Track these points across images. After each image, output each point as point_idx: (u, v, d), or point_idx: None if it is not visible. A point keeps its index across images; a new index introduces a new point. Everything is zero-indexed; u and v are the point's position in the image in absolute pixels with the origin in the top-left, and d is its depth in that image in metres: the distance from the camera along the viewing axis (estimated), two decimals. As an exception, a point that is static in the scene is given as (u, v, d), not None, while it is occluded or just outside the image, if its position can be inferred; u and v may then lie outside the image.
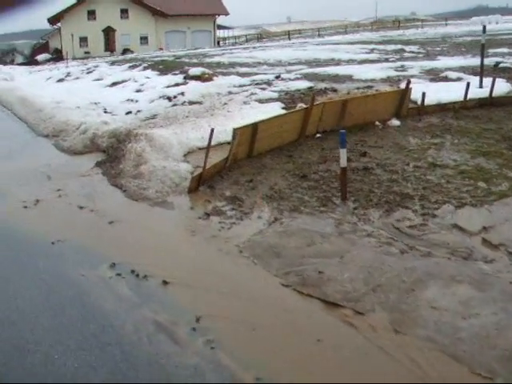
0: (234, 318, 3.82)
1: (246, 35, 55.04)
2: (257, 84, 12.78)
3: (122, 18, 41.34)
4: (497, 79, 11.57)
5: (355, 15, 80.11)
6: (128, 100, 11.91)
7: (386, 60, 17.39)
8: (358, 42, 27.26)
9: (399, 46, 21.80)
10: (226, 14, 45.60)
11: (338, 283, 4.24)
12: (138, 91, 13.07)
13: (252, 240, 5.10)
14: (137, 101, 11.79)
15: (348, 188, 6.52)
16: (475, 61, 16.01)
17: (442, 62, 16.04)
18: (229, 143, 8.50)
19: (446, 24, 52.08)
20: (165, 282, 4.35)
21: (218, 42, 47.61)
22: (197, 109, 10.42)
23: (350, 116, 9.03)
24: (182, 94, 11.92)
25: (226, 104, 10.35)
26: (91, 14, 40.62)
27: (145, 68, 17.23)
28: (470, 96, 10.78)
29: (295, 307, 4.01)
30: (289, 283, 4.32)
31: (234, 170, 7.25)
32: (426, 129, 9.00)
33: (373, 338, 3.57)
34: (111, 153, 8.08)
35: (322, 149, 8.10)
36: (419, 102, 9.95)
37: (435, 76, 13.01)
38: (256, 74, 14.88)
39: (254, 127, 7.64)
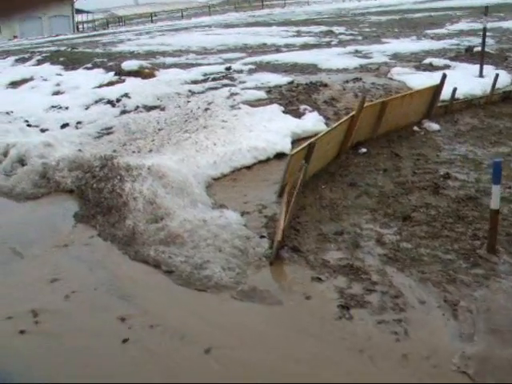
0: None
1: (104, 19, 51.70)
2: (214, 79, 10.63)
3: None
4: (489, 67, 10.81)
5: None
6: (53, 107, 9.05)
7: (329, 44, 16.12)
8: (262, 23, 25.90)
9: (323, 28, 20.73)
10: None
11: None
12: (56, 93, 10.18)
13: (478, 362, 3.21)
14: (66, 108, 9.00)
15: (469, 228, 4.95)
16: (429, 44, 15.42)
17: (394, 46, 15.16)
18: (248, 167, 6.51)
19: (308, 2, 53.60)
20: None
21: (77, 28, 44.58)
22: (167, 117, 8.04)
23: (385, 122, 7.42)
24: (127, 95, 9.36)
25: (208, 110, 8.12)
26: None
27: (40, 61, 13.97)
28: (474, 87, 9.87)
29: None
30: None
31: (299, 213, 5.25)
32: (473, 133, 7.69)
33: None
34: (92, 197, 5.56)
35: (383, 170, 6.36)
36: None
37: (418, 63, 11.90)
38: (198, 65, 12.67)
39: (310, 148, 5.68)
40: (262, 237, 4.76)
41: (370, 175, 6.24)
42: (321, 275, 4.23)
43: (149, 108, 8.84)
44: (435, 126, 7.83)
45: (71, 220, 5.30)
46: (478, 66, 11.15)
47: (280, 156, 6.93)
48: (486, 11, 9.94)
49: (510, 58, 12.51)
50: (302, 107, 8.43)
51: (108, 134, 7.72)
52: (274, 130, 7.26)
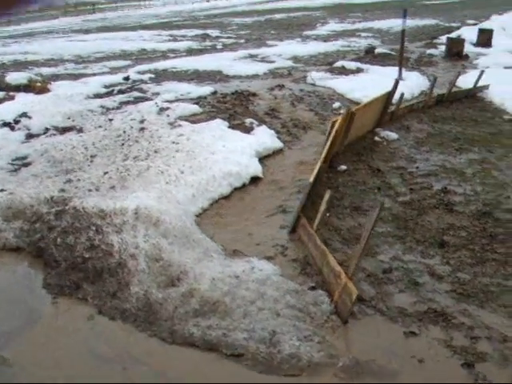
0: None
1: None
2: (122, 92, 9.45)
3: None
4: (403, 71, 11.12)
5: None
6: None
7: (215, 48, 15.55)
8: (119, 28, 24.45)
9: (197, 31, 20.05)
10: None
11: None
12: None
13: None
14: None
15: (507, 246, 4.77)
16: (319, 46, 15.59)
17: (284, 48, 15.07)
18: (226, 197, 5.74)
19: (142, 6, 53.02)
20: None
21: None
22: (94, 141, 6.79)
23: (350, 133, 7.07)
24: (26, 115, 7.81)
25: (144, 129, 7.02)
26: None
27: None
28: (403, 91, 10.00)
29: None
30: None
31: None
32: (432, 140, 7.66)
33: None
34: (61, 257, 4.31)
35: (377, 188, 5.97)
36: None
37: (329, 67, 11.81)
38: (83, 75, 11.30)
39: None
40: (312, 288, 4.03)
41: (366, 196, 5.80)
42: (410, 328, 3.65)
43: (62, 130, 7.45)
44: (393, 135, 7.66)
45: (44, 293, 4.04)
46: (390, 69, 11.45)
47: (255, 180, 6.21)
48: (404, 13, 10.11)
49: (412, 59, 13.04)
50: (248, 121, 7.74)
51: (25, 165, 6.28)
52: (238, 151, 6.49)
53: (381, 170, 6.50)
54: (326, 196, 4.56)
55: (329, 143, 6.11)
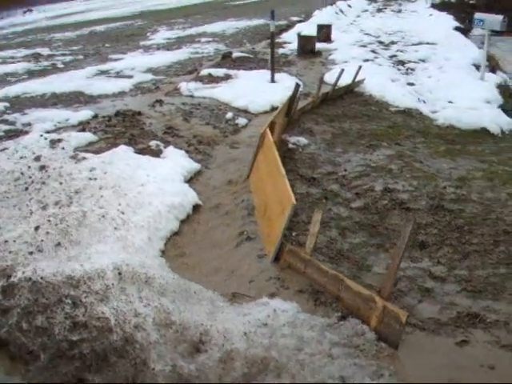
0: None
1: None
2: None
3: None
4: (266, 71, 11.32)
5: None
6: None
7: (57, 67, 14.32)
8: None
9: (26, 51, 18.16)
10: None
11: None
12: None
13: None
14: None
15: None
16: (167, 55, 15.14)
17: (133, 61, 14.37)
18: (176, 233, 5.34)
19: None
20: None
21: None
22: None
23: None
24: None
25: (45, 167, 6.03)
26: None
27: None
28: (285, 94, 10.09)
29: None
30: None
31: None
32: (340, 140, 7.88)
33: None
34: (40, 347, 3.50)
35: (324, 198, 5.92)
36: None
37: (195, 75, 11.48)
38: None
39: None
40: (342, 318, 3.81)
41: (318, 207, 5.71)
42: (458, 337, 3.65)
43: None
44: (303, 140, 7.70)
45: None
46: (256, 72, 11.59)
47: (196, 208, 5.77)
48: (272, 14, 10.23)
49: (267, 60, 13.22)
50: (152, 143, 7.19)
51: None
52: (168, 178, 6.01)
53: (315, 178, 6.47)
54: (318, 216, 4.36)
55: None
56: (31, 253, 4.38)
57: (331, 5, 26.18)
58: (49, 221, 4.85)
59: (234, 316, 3.73)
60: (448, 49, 14.19)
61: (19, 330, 3.62)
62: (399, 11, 26.57)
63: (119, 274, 3.84)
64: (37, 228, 4.74)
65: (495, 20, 9.92)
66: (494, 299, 4.11)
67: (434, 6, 26.76)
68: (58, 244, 4.49)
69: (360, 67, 10.05)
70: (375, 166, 6.82)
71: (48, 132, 7.60)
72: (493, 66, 12.23)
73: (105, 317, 3.56)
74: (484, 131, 8.55)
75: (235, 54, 13.22)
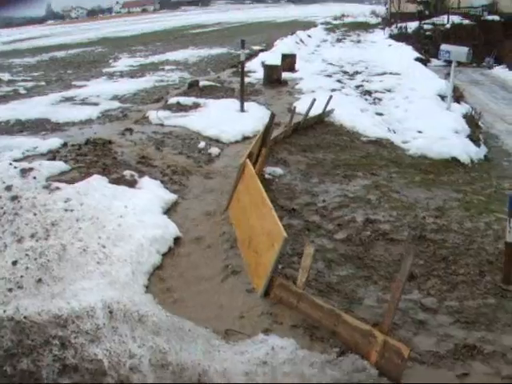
0: None
1: None
2: None
3: None
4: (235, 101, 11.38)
5: None
6: None
7: (20, 94, 14.01)
8: None
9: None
10: None
11: None
12: None
13: None
14: None
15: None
16: (131, 83, 15.04)
17: (98, 88, 14.26)
18: (159, 268, 5.22)
19: None
20: None
21: None
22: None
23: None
24: None
25: (17, 198, 5.78)
26: None
27: None
28: (257, 124, 10.07)
29: None
30: None
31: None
32: (315, 170, 7.90)
33: None
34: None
35: (307, 230, 5.91)
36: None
37: (163, 103, 11.41)
38: None
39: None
40: (342, 353, 3.77)
41: (301, 239, 5.69)
42: (458, 370, 3.67)
43: None
44: (278, 170, 7.72)
45: None
46: (225, 101, 11.63)
47: (176, 241, 5.65)
48: (242, 44, 10.33)
49: (236, 90, 13.30)
50: (126, 173, 7.05)
51: None
52: (147, 210, 5.88)
53: (295, 209, 6.46)
54: (311, 250, 4.32)
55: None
56: (10, 289, 4.17)
57: (291, 34, 26.73)
58: (27, 255, 4.64)
59: (232, 355, 3.62)
60: (412, 79, 14.63)
61: (2, 374, 3.41)
62: (358, 41, 27.33)
63: (110, 312, 3.69)
64: (14, 263, 4.53)
65: (461, 51, 10.30)
66: (487, 330, 4.15)
67: (391, 36, 27.66)
68: (40, 280, 4.30)
69: (331, 97, 10.20)
70: (353, 197, 6.86)
71: (16, 160, 7.35)
72: (457, 96, 12.65)
73: (97, 359, 3.40)
74: (455, 161, 8.78)
75: (202, 83, 13.24)
